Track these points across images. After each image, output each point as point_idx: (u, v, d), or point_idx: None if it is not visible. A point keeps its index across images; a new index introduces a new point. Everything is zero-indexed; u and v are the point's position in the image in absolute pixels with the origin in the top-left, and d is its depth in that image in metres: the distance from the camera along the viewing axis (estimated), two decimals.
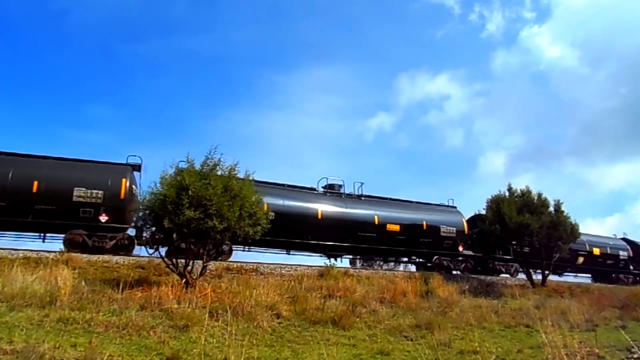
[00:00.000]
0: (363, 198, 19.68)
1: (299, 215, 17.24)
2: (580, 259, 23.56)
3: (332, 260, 17.68)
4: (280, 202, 16.84)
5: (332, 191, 19.31)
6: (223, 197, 10.65)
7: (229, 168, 11.43)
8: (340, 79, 79.44)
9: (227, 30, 77.85)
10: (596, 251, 24.37)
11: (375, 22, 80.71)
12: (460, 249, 20.15)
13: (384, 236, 18.73)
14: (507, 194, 18.76)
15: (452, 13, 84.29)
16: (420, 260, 20.83)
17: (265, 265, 15.12)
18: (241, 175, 11.67)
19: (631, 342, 8.12)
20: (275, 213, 15.06)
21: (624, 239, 27.16)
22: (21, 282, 8.94)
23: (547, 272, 19.16)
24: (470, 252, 20.57)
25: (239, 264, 14.54)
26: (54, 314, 7.84)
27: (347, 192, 19.58)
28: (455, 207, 21.65)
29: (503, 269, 20.85)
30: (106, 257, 13.36)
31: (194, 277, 11.10)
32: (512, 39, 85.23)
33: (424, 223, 19.73)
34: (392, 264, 23.44)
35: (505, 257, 20.84)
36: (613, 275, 24.97)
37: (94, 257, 12.96)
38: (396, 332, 9.66)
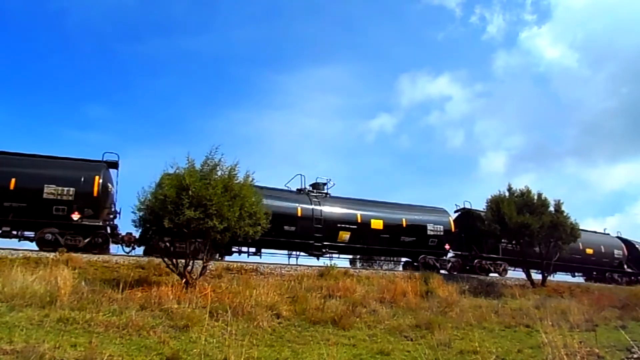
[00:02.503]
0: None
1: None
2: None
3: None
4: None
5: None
6: (223, 197, 10.65)
7: (229, 168, 11.43)
8: (340, 79, 79.47)
9: (226, 30, 77.89)
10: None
11: (375, 23, 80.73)
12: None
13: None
14: (507, 194, 18.75)
15: (453, 15, 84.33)
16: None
17: (265, 265, 15.13)
18: (241, 175, 11.67)
19: (631, 342, 8.12)
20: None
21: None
22: (21, 282, 8.93)
23: (546, 272, 19.19)
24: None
25: (239, 264, 14.55)
26: (54, 314, 7.84)
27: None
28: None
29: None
30: (106, 257, 13.37)
31: (194, 277, 11.10)
32: (513, 41, 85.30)
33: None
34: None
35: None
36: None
37: (94, 257, 12.97)
38: (396, 332, 9.66)
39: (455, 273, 19.32)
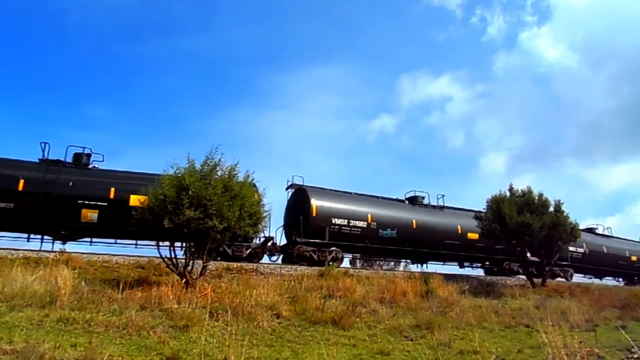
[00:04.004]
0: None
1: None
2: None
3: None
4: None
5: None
6: (223, 197, 10.65)
7: (229, 168, 11.43)
8: (341, 79, 79.54)
9: (226, 30, 77.91)
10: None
11: (375, 23, 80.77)
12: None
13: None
14: (508, 194, 18.75)
15: (453, 16, 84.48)
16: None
17: (265, 265, 15.15)
18: (241, 175, 11.68)
19: (631, 342, 8.10)
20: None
21: None
22: (21, 282, 8.93)
23: (546, 271, 19.19)
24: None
25: (239, 264, 14.55)
26: (54, 314, 7.83)
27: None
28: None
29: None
30: (106, 257, 13.37)
31: (194, 277, 11.10)
32: (513, 42, 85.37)
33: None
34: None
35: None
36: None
37: (94, 257, 12.97)
38: (396, 332, 9.65)
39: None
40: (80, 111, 73.44)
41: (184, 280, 10.82)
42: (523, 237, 17.68)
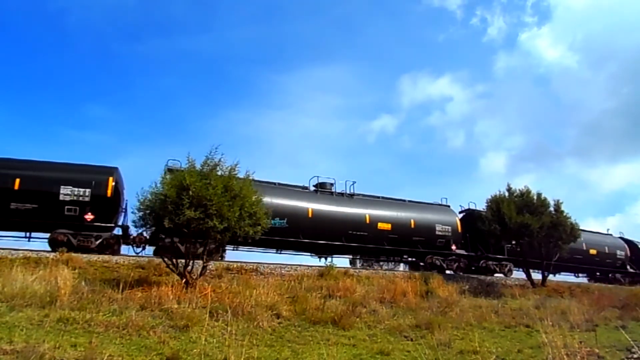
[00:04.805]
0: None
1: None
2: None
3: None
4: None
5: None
6: (223, 197, 10.64)
7: (229, 168, 11.43)
8: (341, 80, 79.56)
9: (226, 30, 77.92)
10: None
11: (376, 23, 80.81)
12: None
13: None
14: (506, 194, 18.75)
15: (454, 17, 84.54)
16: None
17: (265, 265, 15.13)
18: (241, 175, 11.67)
19: (631, 342, 8.10)
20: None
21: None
22: (21, 282, 8.93)
23: (546, 272, 19.19)
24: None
25: (239, 264, 14.54)
26: (54, 314, 7.83)
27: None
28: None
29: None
30: (106, 257, 13.37)
31: (194, 277, 11.09)
32: (513, 42, 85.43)
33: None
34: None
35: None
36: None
37: (94, 257, 12.97)
38: (396, 332, 9.65)
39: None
40: (80, 111, 73.53)
41: (184, 280, 10.82)
42: (523, 237, 17.68)
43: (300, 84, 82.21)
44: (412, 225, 19.37)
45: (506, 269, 20.94)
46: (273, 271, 14.50)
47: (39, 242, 14.98)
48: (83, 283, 9.89)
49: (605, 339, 9.49)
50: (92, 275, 11.12)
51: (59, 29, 72.75)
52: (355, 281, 13.78)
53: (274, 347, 8.00)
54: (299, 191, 18.42)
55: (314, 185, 19.10)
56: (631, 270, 26.00)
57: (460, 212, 22.18)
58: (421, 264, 19.62)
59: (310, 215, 17.55)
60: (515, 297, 14.39)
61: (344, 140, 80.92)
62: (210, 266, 12.44)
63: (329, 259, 17.83)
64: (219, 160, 11.39)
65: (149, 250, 15.39)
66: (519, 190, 18.77)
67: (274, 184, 17.84)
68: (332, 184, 19.26)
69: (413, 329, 9.95)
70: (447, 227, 20.06)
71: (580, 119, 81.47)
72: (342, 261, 19.38)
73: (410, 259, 20.37)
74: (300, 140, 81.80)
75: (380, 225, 18.68)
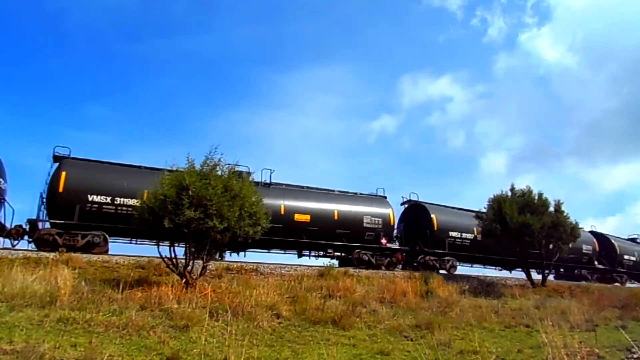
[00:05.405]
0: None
1: None
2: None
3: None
4: None
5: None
6: (223, 197, 10.65)
7: (229, 168, 11.43)
8: (341, 80, 79.56)
9: (226, 30, 77.91)
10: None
11: (376, 23, 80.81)
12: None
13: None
14: (509, 193, 18.75)
15: (454, 17, 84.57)
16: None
17: (265, 265, 15.13)
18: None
19: (631, 342, 8.11)
20: None
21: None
22: (21, 282, 8.93)
23: (546, 272, 19.21)
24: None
25: (239, 264, 14.55)
26: (54, 314, 7.83)
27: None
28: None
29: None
30: (106, 257, 13.37)
31: (194, 277, 11.10)
32: (513, 43, 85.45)
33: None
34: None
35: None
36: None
37: (94, 257, 12.97)
38: (396, 332, 9.65)
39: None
40: (80, 111, 73.58)
41: (184, 280, 10.82)
42: (523, 237, 17.69)
43: (300, 84, 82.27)
44: (335, 217, 18.09)
45: (448, 265, 19.68)
46: (273, 271, 14.50)
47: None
48: (83, 283, 9.89)
49: (605, 339, 9.49)
50: (92, 275, 11.12)
51: (58, 29, 72.85)
52: (355, 281, 13.79)
53: (274, 347, 8.00)
54: None
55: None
56: (599, 267, 24.50)
57: (402, 204, 21.06)
58: (350, 257, 18.13)
59: None
60: (515, 297, 14.39)
61: (344, 140, 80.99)
62: (210, 266, 12.44)
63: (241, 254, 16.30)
64: (219, 160, 11.40)
65: (146, 249, 15.06)
66: (521, 190, 18.78)
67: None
68: (249, 173, 17.17)
69: (413, 329, 9.95)
70: (377, 219, 18.79)
71: (580, 119, 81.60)
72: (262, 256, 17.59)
73: (336, 253, 18.50)
74: (300, 140, 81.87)
75: (298, 217, 17.44)
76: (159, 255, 11.41)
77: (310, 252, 18.25)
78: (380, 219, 18.93)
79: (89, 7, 69.73)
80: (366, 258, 18.10)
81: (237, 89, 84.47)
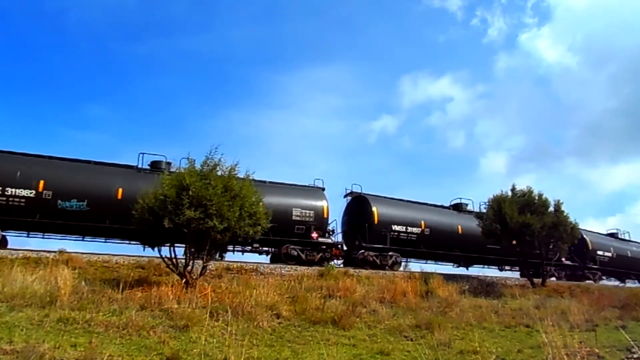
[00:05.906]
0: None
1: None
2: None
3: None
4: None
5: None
6: (223, 197, 10.65)
7: (229, 168, 11.43)
8: (341, 80, 79.57)
9: (226, 30, 77.93)
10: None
11: (376, 23, 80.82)
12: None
13: None
14: (509, 193, 18.74)
15: (454, 17, 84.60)
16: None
17: (265, 265, 15.14)
18: (241, 175, 11.65)
19: (631, 342, 8.11)
20: None
21: None
22: (21, 282, 8.93)
23: (546, 272, 19.20)
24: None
25: (239, 264, 14.55)
26: (54, 314, 7.84)
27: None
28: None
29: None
30: (106, 257, 13.37)
31: (194, 277, 11.10)
32: (514, 43, 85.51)
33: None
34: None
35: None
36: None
37: (94, 257, 12.98)
38: (396, 332, 9.65)
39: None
40: (80, 111, 73.59)
41: (184, 280, 10.82)
42: (524, 237, 17.68)
43: (300, 84, 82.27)
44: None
45: (390, 261, 18.49)
46: (273, 271, 14.50)
47: (38, 242, 14.95)
48: (83, 283, 9.90)
49: (605, 339, 9.48)
50: (92, 275, 11.12)
51: (58, 29, 72.86)
52: (355, 281, 13.79)
53: (274, 347, 8.01)
54: (124, 170, 16.12)
55: (148, 164, 16.69)
56: (568, 263, 23.06)
57: (344, 196, 19.79)
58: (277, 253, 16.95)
59: (119, 197, 14.95)
60: (515, 297, 14.37)
61: (344, 140, 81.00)
62: (210, 266, 12.44)
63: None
64: (219, 160, 11.39)
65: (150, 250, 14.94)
66: (521, 190, 18.77)
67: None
68: (169, 163, 16.06)
69: (413, 329, 9.95)
70: (309, 212, 17.49)
71: (580, 119, 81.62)
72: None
73: (264, 248, 17.25)
74: (300, 140, 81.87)
75: None
76: (159, 256, 11.42)
77: (234, 247, 16.43)
78: (312, 212, 17.61)
79: (89, 7, 69.80)
80: (295, 253, 16.97)
81: (237, 89, 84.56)
